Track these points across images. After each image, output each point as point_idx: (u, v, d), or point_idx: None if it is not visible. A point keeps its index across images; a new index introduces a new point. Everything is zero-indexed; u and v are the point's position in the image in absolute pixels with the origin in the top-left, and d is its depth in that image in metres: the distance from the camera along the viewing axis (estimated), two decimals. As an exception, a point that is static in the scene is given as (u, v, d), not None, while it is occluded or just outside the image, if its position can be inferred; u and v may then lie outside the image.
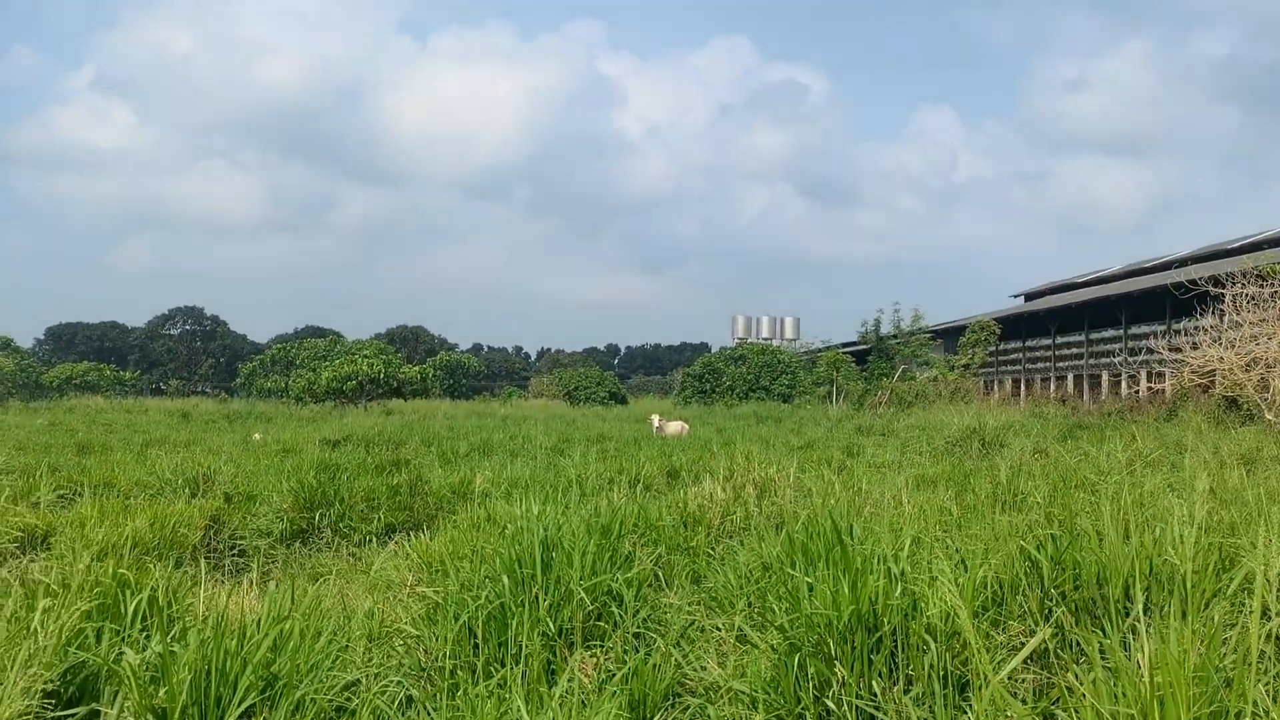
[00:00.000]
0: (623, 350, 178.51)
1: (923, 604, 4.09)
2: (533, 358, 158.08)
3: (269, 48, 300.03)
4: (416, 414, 44.38)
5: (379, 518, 10.51)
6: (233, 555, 9.31)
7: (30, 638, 3.61)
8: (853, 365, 53.91)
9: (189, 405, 51.51)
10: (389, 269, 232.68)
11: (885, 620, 3.99)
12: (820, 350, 62.56)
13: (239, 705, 3.28)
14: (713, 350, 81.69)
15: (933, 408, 36.40)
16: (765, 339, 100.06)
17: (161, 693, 3.29)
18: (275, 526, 10.25)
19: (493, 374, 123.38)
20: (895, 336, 51.13)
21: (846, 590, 4.11)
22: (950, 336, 57.28)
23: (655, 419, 29.80)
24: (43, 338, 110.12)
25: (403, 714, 4.37)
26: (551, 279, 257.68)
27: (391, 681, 4.32)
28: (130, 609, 3.92)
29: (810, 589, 4.48)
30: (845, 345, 62.93)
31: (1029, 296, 69.37)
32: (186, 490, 11.07)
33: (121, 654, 3.54)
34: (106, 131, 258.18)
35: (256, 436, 25.51)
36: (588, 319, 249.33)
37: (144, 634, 4.03)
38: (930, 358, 51.18)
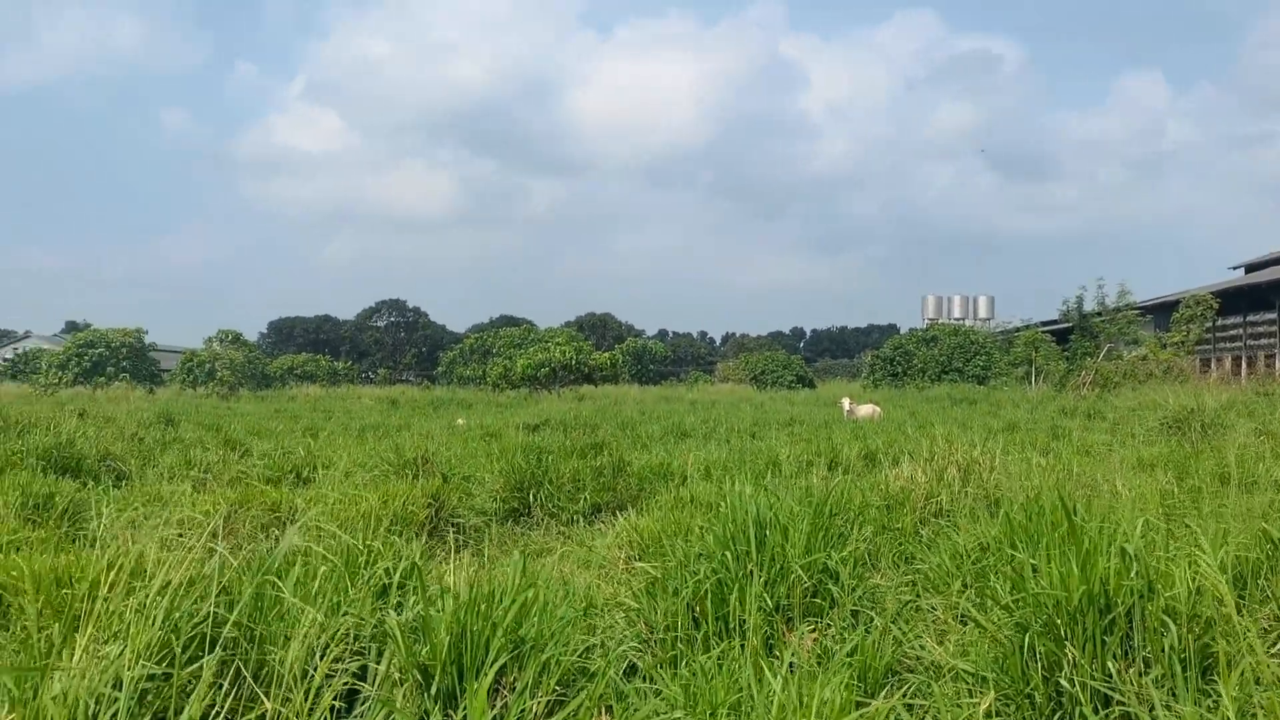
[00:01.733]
0: (808, 333, 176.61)
1: (1159, 585, 3.97)
2: (718, 342, 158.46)
3: (460, 49, 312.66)
4: (607, 399, 45.46)
5: (585, 498, 10.89)
6: (453, 531, 9.87)
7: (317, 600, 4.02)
8: (1052, 344, 51.51)
9: (396, 392, 54.51)
10: (576, 258, 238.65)
11: (1119, 601, 3.90)
12: (1017, 330, 60.06)
13: (492, 665, 3.54)
14: (901, 332, 79.73)
15: (1143, 388, 34.36)
16: (957, 319, 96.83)
17: (424, 651, 3.60)
18: (490, 506, 10.80)
19: (679, 359, 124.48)
20: (1099, 314, 48.49)
21: (1076, 570, 4.03)
22: (1159, 313, 53.89)
23: (846, 402, 29.45)
24: (266, 331, 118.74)
25: (627, 682, 4.58)
26: (733, 263, 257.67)
27: (620, 651, 4.54)
28: (394, 579, 4.30)
29: (1034, 569, 4.42)
30: (1044, 324, 60.15)
31: (1250, 268, 64.31)
32: (408, 472, 11.76)
33: (385, 616, 3.89)
34: (315, 136, 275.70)
35: (460, 421, 26.79)
36: (771, 302, 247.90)
37: (397, 601, 4.40)
38: (1138, 335, 48.26)
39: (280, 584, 3.93)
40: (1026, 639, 4.05)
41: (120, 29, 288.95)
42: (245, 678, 3.52)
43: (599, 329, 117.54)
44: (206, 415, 28.21)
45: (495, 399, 47.45)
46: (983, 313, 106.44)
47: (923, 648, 4.62)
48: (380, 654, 3.82)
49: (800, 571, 5.05)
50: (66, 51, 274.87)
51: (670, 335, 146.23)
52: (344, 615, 3.87)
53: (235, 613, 3.56)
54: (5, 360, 67.96)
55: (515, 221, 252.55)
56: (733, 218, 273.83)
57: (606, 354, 60.21)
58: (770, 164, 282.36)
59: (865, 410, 27.48)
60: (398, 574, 4.38)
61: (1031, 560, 4.53)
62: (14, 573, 4.44)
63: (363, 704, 3.67)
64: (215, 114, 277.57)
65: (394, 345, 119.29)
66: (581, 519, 10.52)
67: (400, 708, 3.48)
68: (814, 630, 4.88)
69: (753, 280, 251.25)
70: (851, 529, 6.00)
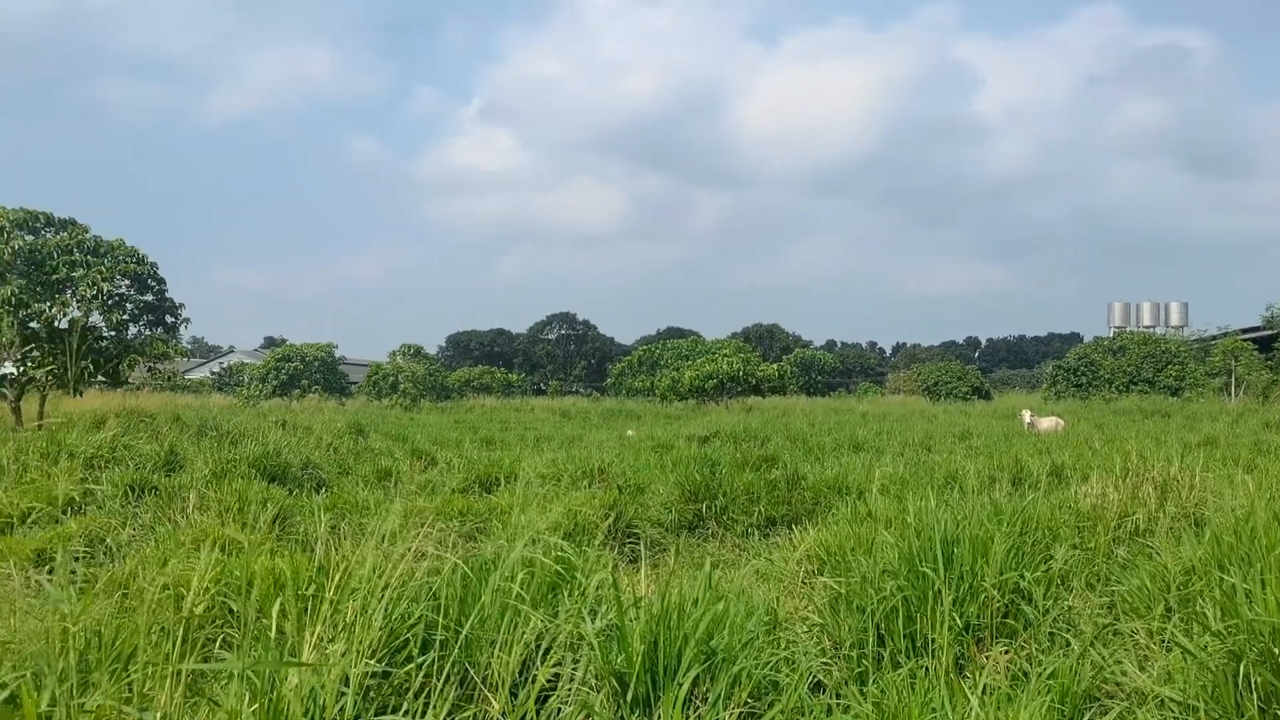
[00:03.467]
0: (983, 343, 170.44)
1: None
2: (888, 353, 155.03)
3: (629, 66, 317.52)
4: (775, 411, 45.14)
5: (759, 511, 10.90)
6: (629, 541, 10.06)
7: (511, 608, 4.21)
8: (1255, 354, 48.02)
9: (567, 404, 55.73)
10: (742, 268, 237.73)
11: (1347, 632, 3.66)
12: (1214, 338, 56.31)
13: (686, 674, 3.64)
14: (1085, 340, 75.96)
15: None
16: (1146, 327, 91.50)
17: (619, 659, 3.73)
18: (664, 517, 10.96)
19: (847, 370, 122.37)
20: (1310, 319, 44.94)
21: (1297, 598, 3.82)
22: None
23: (1026, 414, 28.34)
24: (444, 345, 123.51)
25: (813, 697, 4.59)
26: (902, 271, 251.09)
27: (807, 665, 4.55)
28: (586, 586, 4.46)
29: (1248, 594, 4.19)
30: (1244, 331, 56.11)
31: None
32: (586, 482, 12.06)
33: (580, 623, 4.04)
34: (490, 156, 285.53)
35: (630, 433, 27.17)
36: (943, 311, 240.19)
37: (588, 608, 4.55)
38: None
39: (482, 589, 4.14)
40: (1240, 668, 3.85)
41: (313, 64, 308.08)
42: (451, 678, 3.73)
43: (766, 340, 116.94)
44: (392, 425, 29.59)
45: (663, 410, 47.87)
46: (1175, 320, 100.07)
47: (1124, 673, 4.45)
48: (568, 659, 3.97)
49: (991, 590, 4.94)
50: (266, 86, 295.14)
51: (838, 346, 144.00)
52: (551, 622, 4.04)
53: (444, 617, 3.78)
54: (213, 374, 73.20)
55: (682, 234, 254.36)
56: (902, 225, 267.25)
57: (774, 365, 59.81)
58: (941, 169, 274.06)
59: (1047, 423, 26.37)
60: (592, 583, 4.53)
61: (1244, 584, 4.30)
62: (238, 573, 4.83)
63: (541, 704, 3.81)
64: (398, 139, 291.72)
65: (564, 358, 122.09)
66: (756, 532, 10.53)
67: (599, 712, 3.62)
68: (1006, 651, 4.77)
69: (923, 288, 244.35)
70: (1045, 548, 5.82)
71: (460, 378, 70.27)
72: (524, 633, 4.05)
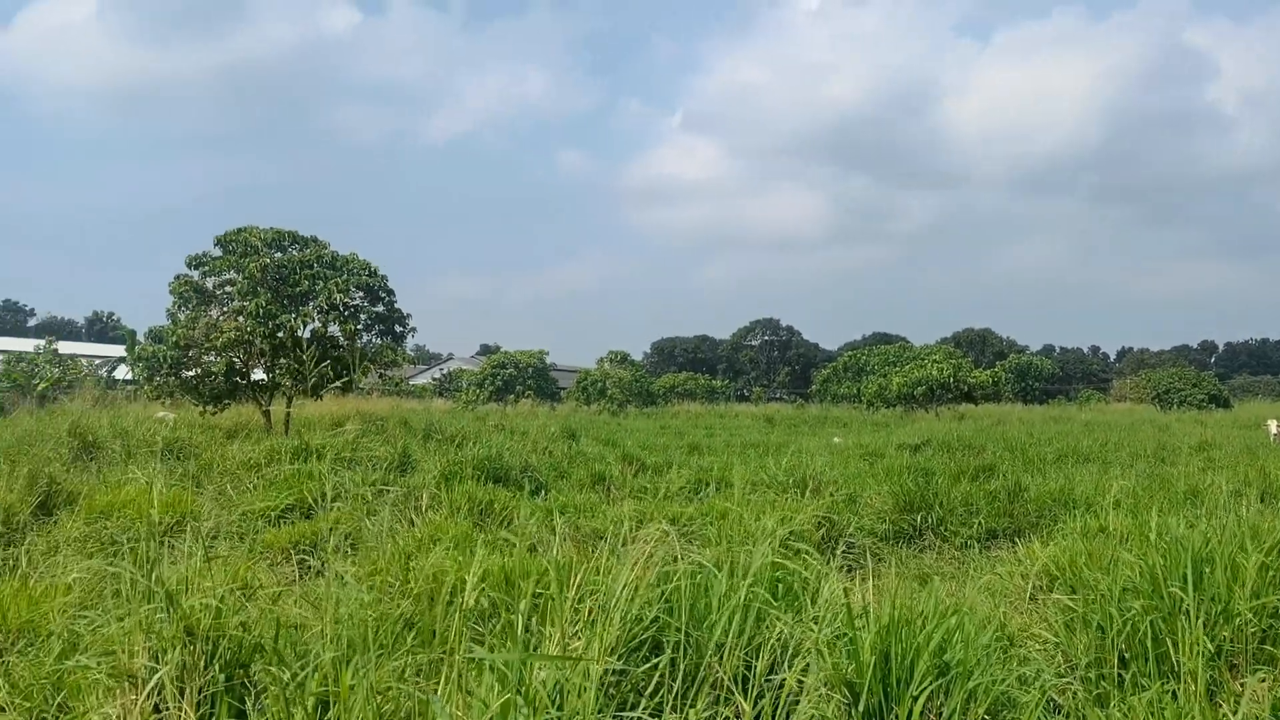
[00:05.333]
0: (1220, 347, 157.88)
1: None
2: (1111, 358, 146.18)
3: (832, 68, 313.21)
4: (989, 418, 43.44)
5: (979, 523, 10.56)
6: (843, 550, 9.95)
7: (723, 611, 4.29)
8: None
9: (771, 410, 55.56)
10: (951, 271, 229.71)
11: None
12: None
13: (920, 687, 3.60)
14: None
15: None
16: None
17: (850, 668, 3.74)
18: (878, 527, 10.78)
19: (1066, 376, 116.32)
20: None
21: None
22: None
23: (1272, 424, 26.23)
24: (649, 351, 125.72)
25: (1049, 717, 4.43)
26: (1128, 272, 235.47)
27: (1043, 683, 4.40)
28: (813, 594, 4.49)
29: None
30: None
31: None
32: (796, 489, 12.01)
33: (809, 630, 4.07)
34: (694, 164, 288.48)
35: (837, 440, 26.82)
36: (1173, 314, 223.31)
37: (814, 616, 4.56)
38: None
39: (710, 595, 4.23)
40: None
41: (528, 82, 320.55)
42: (685, 679, 3.83)
43: (978, 345, 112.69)
44: (601, 430, 30.37)
45: (870, 417, 46.96)
46: None
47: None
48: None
49: (1246, 614, 4.62)
50: (484, 105, 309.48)
51: (1057, 351, 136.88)
52: (777, 628, 4.09)
53: (675, 619, 3.89)
54: (434, 380, 77.26)
55: (888, 237, 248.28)
56: (1127, 223, 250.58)
57: (987, 371, 57.57)
58: (1170, 163, 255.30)
59: (1298, 434, 24.24)
60: (823, 591, 4.55)
61: None
62: (467, 569, 5.12)
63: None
64: (605, 151, 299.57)
65: (768, 363, 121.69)
66: (976, 544, 10.21)
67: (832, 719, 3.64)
68: (1263, 680, 4.45)
69: (1152, 289, 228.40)
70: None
71: (665, 384, 71.25)
72: (749, 638, 4.11)
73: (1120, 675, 4.67)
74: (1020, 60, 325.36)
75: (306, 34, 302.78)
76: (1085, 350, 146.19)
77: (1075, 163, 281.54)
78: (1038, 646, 5.15)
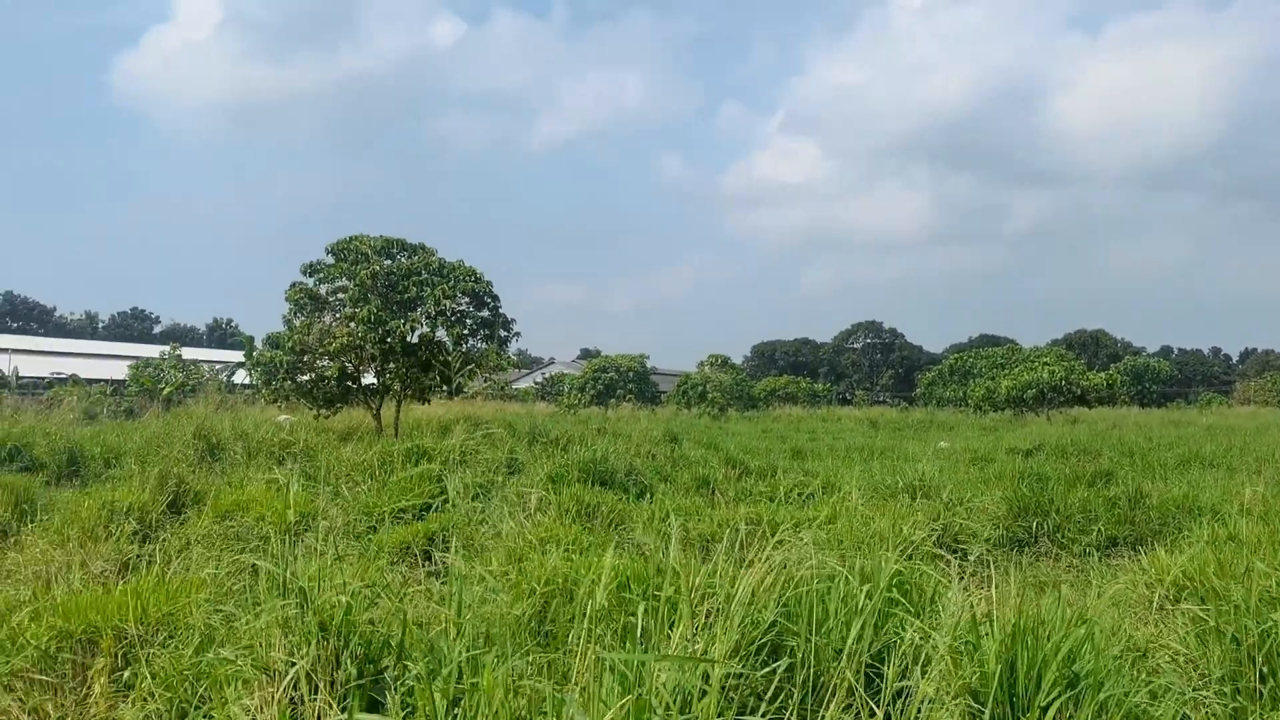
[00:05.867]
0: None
1: None
2: (1234, 359, 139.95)
3: (936, 67, 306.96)
4: (1103, 422, 42.00)
5: (1098, 530, 10.24)
6: (955, 556, 9.75)
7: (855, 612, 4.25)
8: None
9: (874, 414, 54.71)
10: (1061, 271, 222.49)
11: None
12: None
13: (1049, 698, 3.51)
14: None
15: None
16: None
17: (974, 676, 3.67)
18: (990, 532, 10.53)
19: (1185, 379, 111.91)
20: None
21: None
22: None
23: None
24: (749, 354, 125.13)
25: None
26: (1252, 270, 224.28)
27: (1175, 696, 4.25)
28: (932, 600, 4.42)
29: None
30: None
31: None
32: (905, 494, 11.82)
33: (930, 638, 4.01)
34: (793, 167, 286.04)
35: (943, 444, 26.26)
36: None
37: (935, 623, 4.49)
38: None
39: (828, 599, 4.20)
40: None
41: (627, 88, 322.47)
42: (804, 684, 3.81)
43: (1090, 347, 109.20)
44: (702, 434, 30.33)
45: (978, 421, 45.87)
46: None
47: None
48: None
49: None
50: (584, 111, 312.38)
51: (1175, 352, 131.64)
52: (898, 634, 4.04)
53: (794, 623, 3.88)
54: (536, 383, 78.32)
55: (994, 237, 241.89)
56: (1250, 220, 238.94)
57: (1101, 374, 55.66)
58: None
59: None
60: (948, 598, 4.48)
61: None
62: (592, 572, 5.17)
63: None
64: (704, 155, 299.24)
65: (870, 367, 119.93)
66: (1095, 552, 9.90)
67: (956, 729, 3.57)
68: None
69: (1275, 289, 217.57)
70: None
71: (766, 387, 70.86)
72: (870, 643, 4.07)
73: (1259, 689, 4.48)
74: (1133, 53, 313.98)
75: (414, 46, 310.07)
76: (1205, 352, 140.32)
77: (1194, 158, 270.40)
78: (1168, 658, 4.97)
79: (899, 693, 4.03)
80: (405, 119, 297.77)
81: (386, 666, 3.88)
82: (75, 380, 43.29)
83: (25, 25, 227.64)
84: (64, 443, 15.97)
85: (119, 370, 47.67)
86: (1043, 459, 19.64)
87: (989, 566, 9.19)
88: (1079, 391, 50.73)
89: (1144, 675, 4.70)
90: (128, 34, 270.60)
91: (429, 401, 23.99)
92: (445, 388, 23.44)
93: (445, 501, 10.83)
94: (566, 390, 63.69)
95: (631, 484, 13.21)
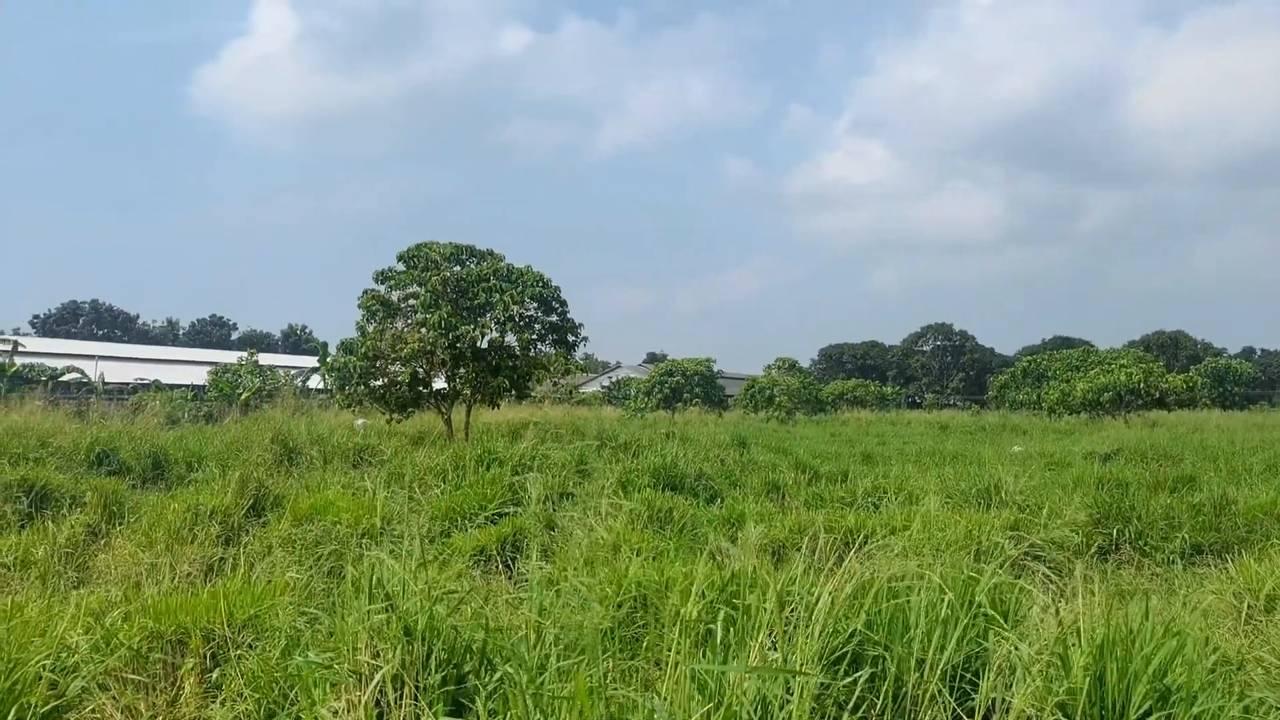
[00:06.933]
0: None
1: None
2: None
3: (1008, 65, 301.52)
4: (1184, 426, 40.86)
5: (1182, 537, 9.97)
6: (1033, 565, 9.57)
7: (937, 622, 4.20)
8: None
9: (945, 418, 53.95)
10: (1138, 271, 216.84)
11: None
12: None
13: (1138, 710, 3.43)
14: None
15: None
16: None
17: (1062, 689, 3.60)
18: (1070, 540, 10.30)
19: (1269, 380, 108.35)
20: None
21: None
22: None
23: None
24: (816, 358, 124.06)
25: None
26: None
27: (1269, 713, 4.13)
28: (1009, 609, 4.35)
29: None
30: None
31: None
32: (979, 500, 11.63)
33: (1014, 649, 3.94)
34: (861, 168, 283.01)
35: (1016, 448, 25.77)
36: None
37: (1019, 634, 4.41)
38: None
39: (908, 609, 4.16)
40: None
41: (693, 92, 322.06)
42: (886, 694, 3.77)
43: (1169, 349, 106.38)
44: (770, 438, 30.15)
45: (1052, 425, 44.96)
46: None
47: None
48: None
49: None
50: (649, 116, 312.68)
51: (1258, 353, 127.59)
52: (980, 645, 3.98)
53: (875, 633, 3.85)
54: (603, 387, 78.61)
55: (1068, 236, 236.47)
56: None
57: (1181, 376, 54.17)
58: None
59: None
60: (1032, 610, 4.41)
61: None
62: (673, 580, 5.19)
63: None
64: (771, 157, 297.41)
65: (940, 369, 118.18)
66: (1179, 560, 9.64)
67: (1043, 743, 3.51)
68: None
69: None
70: None
71: (834, 390, 70.23)
72: (950, 654, 4.02)
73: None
74: (1212, 47, 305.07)
75: (483, 55, 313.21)
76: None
77: (1277, 154, 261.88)
78: (1261, 672, 4.82)
79: (993, 704, 3.97)
80: (474, 127, 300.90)
81: (470, 671, 3.94)
82: (158, 386, 44.61)
83: (110, 40, 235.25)
84: (149, 447, 16.43)
85: (199, 376, 49.03)
86: (1122, 464, 19.19)
87: (1071, 575, 9.01)
88: (1158, 394, 49.43)
89: (1237, 689, 4.58)
90: (207, 48, 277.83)
91: (498, 406, 24.23)
92: (514, 392, 23.68)
93: (517, 506, 10.93)
94: (633, 394, 63.83)
95: (701, 489, 13.19)
